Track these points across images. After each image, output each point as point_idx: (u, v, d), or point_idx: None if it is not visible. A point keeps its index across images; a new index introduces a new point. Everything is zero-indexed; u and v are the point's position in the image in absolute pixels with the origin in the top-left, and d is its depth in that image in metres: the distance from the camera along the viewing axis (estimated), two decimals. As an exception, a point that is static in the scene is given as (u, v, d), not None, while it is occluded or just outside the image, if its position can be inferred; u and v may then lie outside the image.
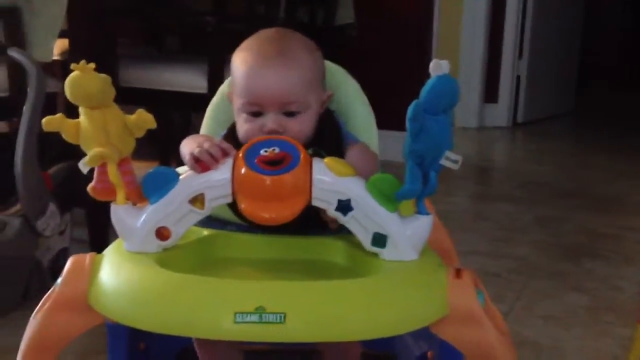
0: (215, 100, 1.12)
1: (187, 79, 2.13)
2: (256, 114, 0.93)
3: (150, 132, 0.85)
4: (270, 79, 0.91)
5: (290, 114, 0.92)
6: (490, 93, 4.14)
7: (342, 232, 0.91)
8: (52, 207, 1.67)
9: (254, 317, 0.74)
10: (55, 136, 0.84)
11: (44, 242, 1.69)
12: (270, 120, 0.91)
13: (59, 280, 0.85)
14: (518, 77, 4.19)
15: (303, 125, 0.93)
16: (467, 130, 4.06)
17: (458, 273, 0.83)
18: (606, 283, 1.83)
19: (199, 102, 1.39)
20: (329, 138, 0.96)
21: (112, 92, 0.80)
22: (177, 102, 2.17)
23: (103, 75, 0.79)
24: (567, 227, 2.33)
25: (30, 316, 0.85)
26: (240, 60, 0.95)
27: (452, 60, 3.11)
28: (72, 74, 0.79)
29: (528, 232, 2.26)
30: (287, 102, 0.92)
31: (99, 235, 1.88)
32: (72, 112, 0.84)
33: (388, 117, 1.54)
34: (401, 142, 0.80)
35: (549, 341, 1.50)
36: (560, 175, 3.14)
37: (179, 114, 2.65)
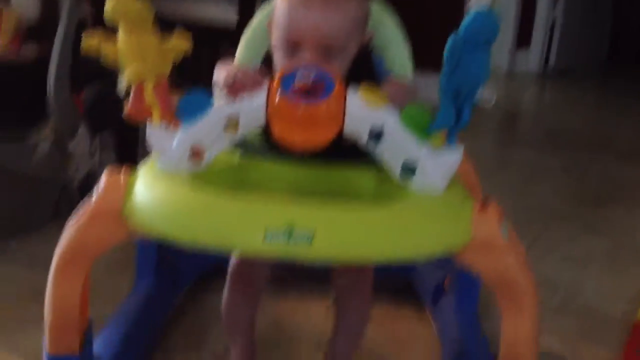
0: (250, 29, 1.13)
1: (218, 13, 2.12)
2: (293, 51, 0.92)
3: (178, 67, 0.86)
4: (312, 19, 0.89)
5: (328, 54, 0.91)
6: (523, 37, 4.05)
7: (371, 161, 0.93)
8: (82, 130, 1.70)
9: (284, 236, 0.76)
10: (87, 59, 0.86)
11: (74, 162, 1.73)
12: (307, 58, 0.90)
13: (95, 193, 0.88)
14: (553, 22, 4.08)
15: (340, 66, 0.92)
16: (497, 74, 4.00)
17: (484, 205, 0.84)
18: (626, 229, 1.84)
19: (228, 35, 1.39)
20: (364, 73, 0.96)
21: (151, 16, 0.82)
22: (206, 36, 2.16)
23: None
24: (590, 174, 2.32)
25: (61, 231, 0.89)
26: None
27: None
28: (112, -2, 0.80)
29: (551, 178, 2.26)
30: (326, 44, 0.90)
31: (127, 159, 1.91)
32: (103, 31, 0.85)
33: (425, 57, 1.53)
34: (437, 83, 0.81)
35: (566, 281, 1.52)
36: (587, 124, 3.11)
37: (207, 48, 2.64)
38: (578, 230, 1.81)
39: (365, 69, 0.98)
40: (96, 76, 1.80)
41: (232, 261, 1.03)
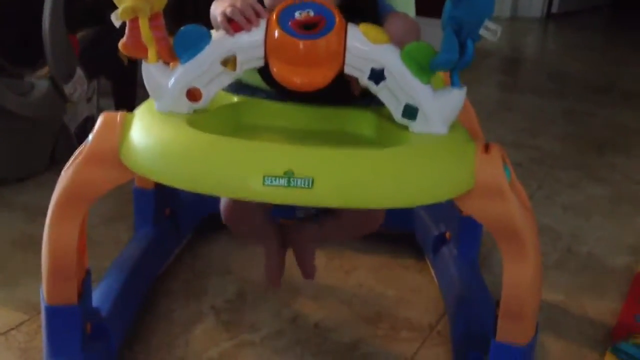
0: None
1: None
2: None
3: (173, 4, 0.83)
4: None
5: None
6: (526, -19, 3.98)
7: (372, 103, 0.90)
8: (79, 72, 1.67)
9: (283, 181, 0.75)
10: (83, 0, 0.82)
11: (71, 107, 1.71)
12: None
13: (90, 135, 0.86)
14: (557, -35, 4.01)
15: None
16: (500, 19, 3.93)
17: (486, 148, 0.82)
18: (629, 176, 1.82)
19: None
20: (364, 7, 0.93)
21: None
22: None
23: None
24: (593, 120, 2.30)
25: (57, 178, 0.87)
26: None
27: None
28: None
29: (554, 125, 2.24)
30: None
31: (125, 105, 1.88)
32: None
33: (428, 3, 1.49)
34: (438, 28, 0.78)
35: (567, 229, 1.51)
36: (591, 70, 3.06)
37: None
38: (580, 178, 1.80)
39: (367, 3, 0.94)
40: (93, 17, 1.76)
41: (223, 205, 1.01)
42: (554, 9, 4.11)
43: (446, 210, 1.25)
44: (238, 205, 1.00)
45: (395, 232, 1.39)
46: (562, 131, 2.18)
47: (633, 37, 3.86)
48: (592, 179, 1.79)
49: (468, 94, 0.85)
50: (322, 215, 1.06)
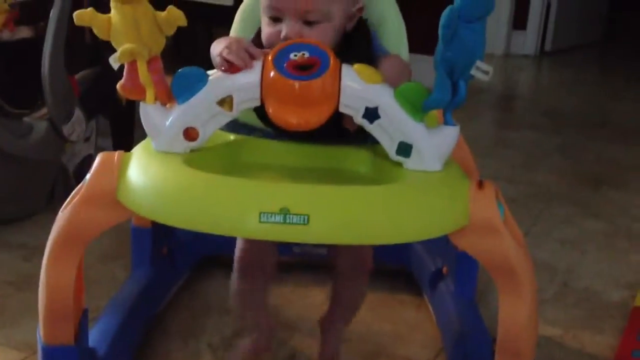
0: (244, 3, 1.11)
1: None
2: (276, 19, 0.91)
3: (173, 46, 0.85)
4: None
5: (309, 23, 0.90)
6: (518, 19, 4.04)
7: (367, 141, 0.92)
8: (78, 113, 1.68)
9: (278, 218, 0.76)
10: (83, 41, 0.84)
11: (70, 147, 1.72)
12: (287, 27, 0.90)
13: (88, 175, 0.87)
14: (548, 4, 4.07)
15: (322, 36, 0.90)
16: (494, 57, 3.98)
17: (480, 184, 0.84)
18: (624, 211, 1.83)
19: (223, 15, 1.37)
20: (358, 49, 0.94)
21: (144, -12, 0.80)
22: (201, 13, 2.15)
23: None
24: (588, 156, 2.32)
25: (55, 217, 0.87)
26: None
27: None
28: (105, -32, 0.78)
29: (549, 160, 2.26)
30: (306, 10, 0.89)
31: (123, 144, 1.90)
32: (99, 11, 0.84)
33: (419, 40, 1.51)
34: (430, 66, 0.80)
35: (564, 265, 1.52)
36: (585, 106, 3.09)
37: (203, 26, 2.63)
38: (576, 213, 1.80)
39: (361, 40, 0.96)
40: (92, 58, 1.79)
41: (238, 251, 1.02)
42: (547, 47, 4.17)
43: (443, 246, 1.25)
44: (250, 254, 1.01)
45: (392, 267, 1.40)
46: (558, 166, 2.20)
47: (625, 72, 3.91)
48: (587, 214, 1.80)
49: (463, 130, 0.87)
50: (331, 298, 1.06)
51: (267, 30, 0.93)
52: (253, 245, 1.00)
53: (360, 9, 0.97)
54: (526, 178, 2.06)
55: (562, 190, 1.98)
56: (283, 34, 0.90)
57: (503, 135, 2.65)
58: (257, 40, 0.96)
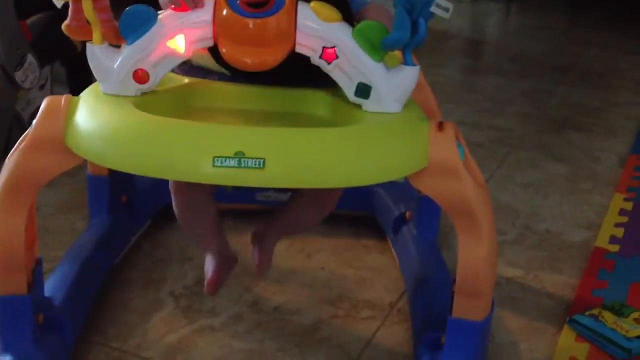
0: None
1: None
2: None
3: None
4: None
5: None
6: (487, -37, 3.99)
7: (326, 83, 0.89)
8: (30, 58, 1.62)
9: (233, 162, 0.74)
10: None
11: (24, 95, 1.66)
12: None
13: (34, 121, 0.84)
14: (517, -53, 4.03)
15: None
16: (462, 2, 3.94)
17: (440, 126, 0.82)
18: (587, 154, 1.84)
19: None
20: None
21: None
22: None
23: None
24: (553, 100, 2.32)
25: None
26: None
27: None
28: None
29: (514, 105, 2.25)
30: None
31: (80, 91, 1.84)
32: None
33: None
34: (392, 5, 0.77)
35: (526, 207, 1.52)
36: (551, 51, 3.09)
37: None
38: (539, 157, 1.81)
39: None
40: (43, 2, 1.72)
41: (171, 186, 0.99)
42: (515, -10, 4.13)
43: (405, 190, 1.25)
44: (187, 202, 0.98)
45: (357, 213, 1.39)
46: (523, 111, 2.20)
47: (594, 18, 3.90)
48: (551, 158, 1.81)
49: (430, 75, 0.85)
50: (277, 207, 1.05)
51: None
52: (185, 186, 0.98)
53: None
54: (492, 123, 2.05)
55: (527, 135, 1.98)
56: None
57: (469, 80, 2.64)
58: None
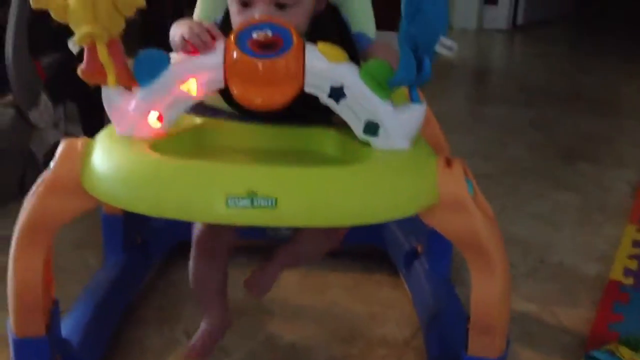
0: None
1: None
2: (246, 4, 0.89)
3: (141, 24, 0.83)
4: None
5: (280, 7, 0.88)
6: (490, -6, 4.04)
7: (333, 120, 0.90)
8: (44, 98, 1.65)
9: (246, 202, 0.75)
10: (48, 24, 0.82)
11: (38, 134, 1.69)
12: (259, 12, 0.88)
13: (52, 163, 0.85)
14: (520, -22, 4.08)
15: (294, 19, 0.88)
16: (466, 32, 3.98)
17: (448, 162, 0.83)
18: (597, 184, 1.85)
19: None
20: (329, 34, 0.92)
21: (100, -33, 0.78)
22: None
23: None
24: (561, 129, 2.33)
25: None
26: None
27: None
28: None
29: (523, 134, 2.26)
30: None
31: (93, 130, 1.85)
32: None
33: (385, 16, 1.50)
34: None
35: (538, 239, 1.52)
36: (557, 79, 3.11)
37: (171, 3, 2.58)
38: (549, 187, 1.81)
39: (332, 25, 0.95)
40: (57, 42, 1.75)
41: (196, 230, 1.01)
42: (519, 21, 4.17)
43: (416, 224, 1.24)
44: (208, 234, 0.99)
45: (368, 247, 1.39)
46: (531, 140, 2.20)
47: (597, 45, 3.92)
48: (561, 188, 1.81)
49: (437, 105, 0.86)
50: (290, 240, 1.06)
51: (237, 18, 0.90)
52: (212, 226, 0.99)
53: None
54: (500, 153, 2.06)
55: (536, 165, 1.99)
56: (254, 20, 0.87)
57: (477, 110, 2.65)
58: (224, 24, 0.94)
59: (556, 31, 4.34)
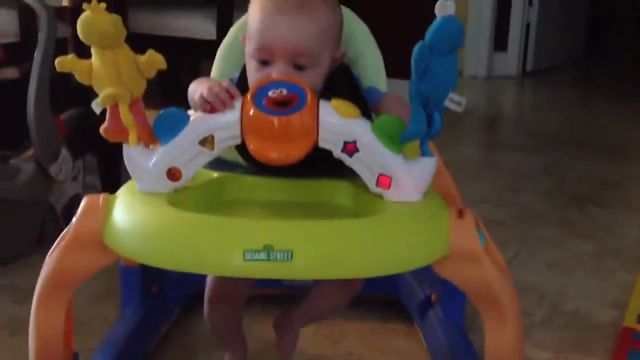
0: (226, 42, 1.13)
1: (196, 25, 2.13)
2: (265, 62, 0.92)
3: (158, 80, 0.86)
4: (284, 28, 0.90)
5: (299, 67, 0.91)
6: (499, 41, 4.10)
7: (347, 174, 0.93)
8: (64, 152, 1.69)
9: (262, 255, 0.77)
10: (68, 81, 0.85)
11: (57, 187, 1.72)
12: (277, 71, 0.91)
13: (74, 219, 0.88)
14: (528, 25, 4.13)
15: (311, 80, 0.91)
16: (476, 79, 4.03)
17: (460, 213, 0.85)
18: (610, 230, 1.85)
19: (208, 48, 1.39)
20: (342, 91, 0.94)
21: (123, 32, 0.82)
22: (186, 48, 2.18)
23: (114, 14, 0.80)
24: (573, 175, 2.34)
25: (45, 259, 0.88)
26: (258, 5, 0.94)
27: (462, 9, 3.12)
28: (84, 14, 0.80)
29: (534, 181, 2.28)
30: (297, 55, 0.90)
31: (111, 181, 1.91)
32: (82, 56, 0.85)
33: (396, 64, 1.54)
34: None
35: (552, 287, 1.53)
36: (568, 124, 3.13)
37: (187, 60, 2.65)
38: (562, 234, 1.82)
39: (344, 84, 0.98)
40: (78, 98, 1.80)
41: (209, 282, 1.03)
42: (529, 67, 4.22)
43: (431, 273, 1.25)
44: (221, 289, 1.02)
45: (383, 296, 1.40)
46: (543, 187, 2.22)
47: (606, 90, 3.96)
48: (574, 234, 1.82)
49: (449, 153, 0.88)
50: (301, 292, 1.08)
51: (255, 74, 0.93)
52: (224, 279, 1.01)
53: (343, 55, 0.99)
54: (513, 200, 2.08)
55: (548, 211, 2.00)
56: (273, 77, 0.90)
57: (488, 157, 2.67)
58: (242, 79, 0.98)
59: (565, 76, 4.38)
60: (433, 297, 1.30)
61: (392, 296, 1.40)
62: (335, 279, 1.06)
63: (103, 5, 0.79)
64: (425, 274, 1.33)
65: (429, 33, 0.79)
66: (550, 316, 1.41)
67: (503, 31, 4.08)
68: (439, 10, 0.79)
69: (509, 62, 4.14)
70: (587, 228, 1.86)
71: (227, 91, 0.86)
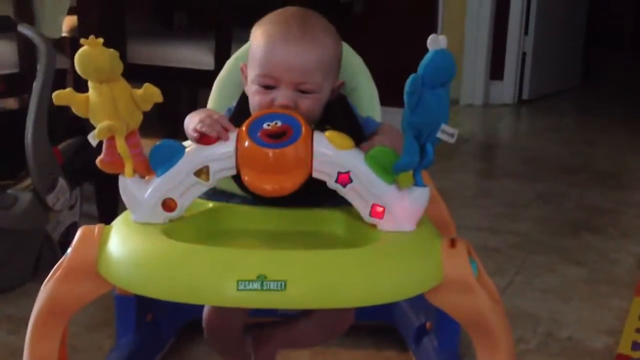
0: (222, 74, 1.15)
1: (194, 55, 2.15)
2: (269, 87, 0.94)
3: (157, 109, 0.88)
4: (291, 55, 0.93)
5: (302, 92, 0.94)
6: (496, 70, 4.13)
7: (340, 204, 0.94)
8: (62, 182, 1.70)
9: (256, 285, 0.77)
10: (65, 112, 0.87)
11: (54, 216, 1.73)
12: (282, 95, 0.93)
13: (69, 249, 0.89)
14: (524, 54, 4.18)
15: (312, 105, 0.94)
16: (473, 107, 4.06)
17: (452, 242, 0.86)
18: (605, 257, 1.86)
19: (206, 78, 1.41)
20: (339, 120, 0.97)
21: (120, 67, 0.83)
22: (183, 79, 2.20)
23: (111, 50, 0.82)
24: (568, 202, 2.35)
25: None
26: (262, 32, 0.96)
27: (458, 38, 3.17)
28: (81, 49, 0.81)
29: (530, 208, 2.29)
30: (303, 81, 0.93)
31: (108, 210, 1.92)
32: (81, 88, 0.87)
33: (390, 93, 1.56)
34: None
35: (547, 313, 1.53)
36: (563, 151, 3.15)
37: (186, 90, 2.68)
38: (557, 261, 1.83)
39: (341, 114, 1.00)
40: (75, 128, 1.82)
41: (205, 314, 1.04)
42: (525, 95, 4.25)
43: (425, 301, 1.26)
44: (218, 318, 1.02)
45: (377, 323, 1.40)
46: (539, 214, 2.23)
47: (600, 117, 3.99)
48: (569, 261, 1.82)
49: (445, 181, 0.90)
50: (291, 318, 1.08)
51: (257, 98, 0.95)
52: (220, 308, 1.02)
53: (341, 85, 1.01)
54: (508, 227, 2.08)
55: (543, 238, 2.01)
56: (278, 101, 0.93)
57: (484, 184, 2.69)
58: (240, 107, 0.99)
59: (561, 104, 4.41)
60: (428, 325, 1.30)
61: (387, 324, 1.40)
62: (321, 318, 1.07)
63: (100, 40, 0.81)
64: (420, 302, 1.31)
65: (421, 66, 0.81)
66: (545, 343, 1.41)
67: (499, 60, 4.12)
68: (431, 44, 0.80)
69: (506, 90, 4.17)
70: (581, 255, 1.87)
71: (220, 125, 0.87)
